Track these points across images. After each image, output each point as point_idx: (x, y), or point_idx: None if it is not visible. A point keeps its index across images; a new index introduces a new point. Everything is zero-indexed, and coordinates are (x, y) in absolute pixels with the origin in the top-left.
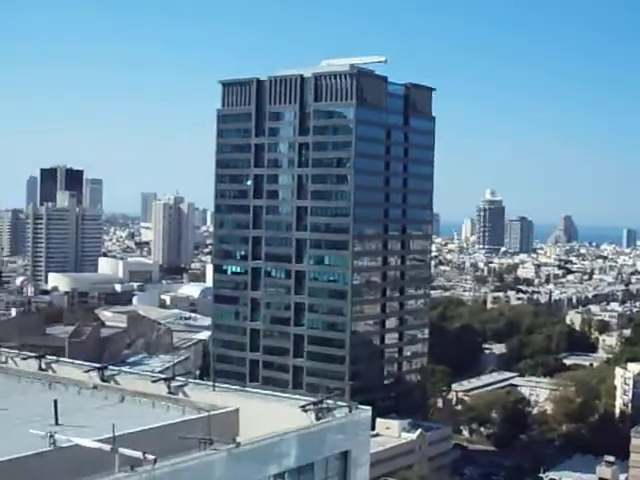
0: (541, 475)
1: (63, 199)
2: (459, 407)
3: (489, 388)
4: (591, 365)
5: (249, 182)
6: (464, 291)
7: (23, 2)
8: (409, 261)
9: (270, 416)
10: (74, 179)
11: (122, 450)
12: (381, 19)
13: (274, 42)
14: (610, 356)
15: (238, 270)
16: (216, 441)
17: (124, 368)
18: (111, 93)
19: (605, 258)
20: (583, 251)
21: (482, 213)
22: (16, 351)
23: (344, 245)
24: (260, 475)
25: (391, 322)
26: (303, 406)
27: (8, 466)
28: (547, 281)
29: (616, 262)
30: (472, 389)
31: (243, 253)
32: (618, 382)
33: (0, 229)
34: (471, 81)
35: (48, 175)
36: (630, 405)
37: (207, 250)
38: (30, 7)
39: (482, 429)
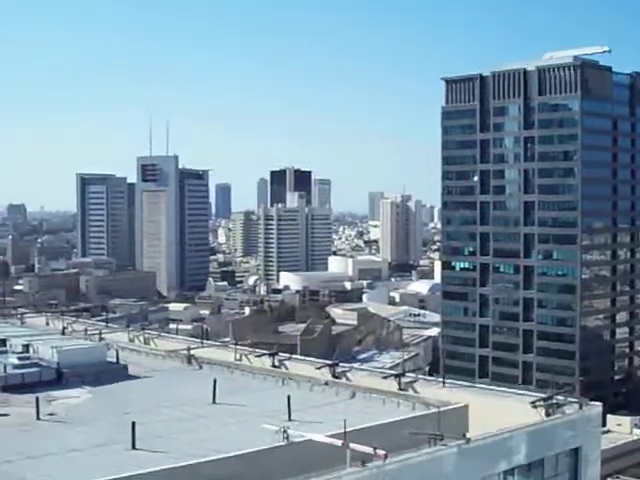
0: None
1: (293, 200)
2: None
3: None
4: None
5: (475, 178)
6: None
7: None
8: (639, 254)
9: (500, 412)
10: (303, 180)
11: (353, 445)
12: (599, 8)
13: (494, 37)
14: None
15: (466, 266)
16: (446, 437)
17: (355, 365)
18: (338, 93)
19: None
20: None
21: None
22: (250, 349)
23: (572, 239)
24: (490, 471)
25: (621, 316)
26: (533, 402)
27: (244, 460)
28: None
29: None
30: None
31: (471, 249)
32: None
33: (233, 231)
34: None
35: (278, 177)
36: None
37: (435, 247)
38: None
39: None
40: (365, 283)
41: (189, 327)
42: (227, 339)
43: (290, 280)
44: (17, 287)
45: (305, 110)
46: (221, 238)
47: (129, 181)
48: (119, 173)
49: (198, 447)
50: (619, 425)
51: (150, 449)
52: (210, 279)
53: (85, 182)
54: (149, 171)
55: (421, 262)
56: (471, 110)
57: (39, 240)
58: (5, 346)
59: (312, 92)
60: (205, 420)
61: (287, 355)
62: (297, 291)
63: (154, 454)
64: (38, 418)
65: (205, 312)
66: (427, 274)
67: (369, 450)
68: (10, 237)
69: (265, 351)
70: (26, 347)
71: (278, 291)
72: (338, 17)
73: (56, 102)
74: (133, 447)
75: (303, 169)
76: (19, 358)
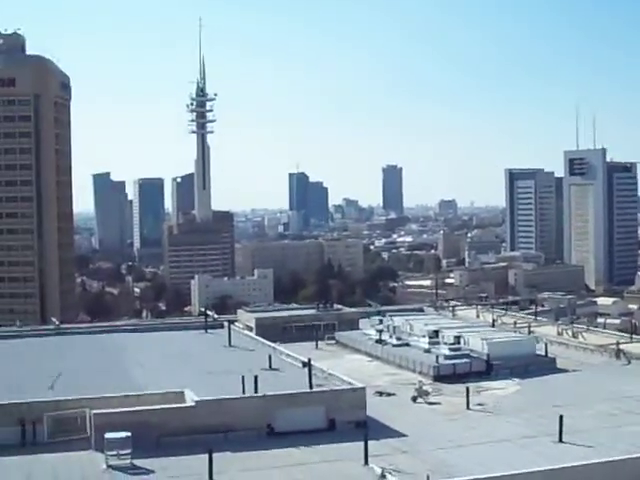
0: None
1: None
2: None
3: None
4: None
5: None
6: None
7: None
8: None
9: None
10: None
11: None
12: None
13: None
14: None
15: None
16: None
17: None
18: None
19: None
20: None
21: None
22: None
23: None
24: None
25: None
26: None
27: None
28: None
29: None
30: None
31: None
32: None
33: None
34: None
35: None
36: None
37: None
38: None
39: None
40: None
41: (617, 321)
42: None
43: None
44: (448, 280)
45: None
46: None
47: (556, 175)
48: (546, 168)
49: (625, 442)
50: None
51: (576, 443)
52: (639, 273)
53: (513, 177)
54: (577, 165)
55: None
56: None
57: (469, 234)
58: (437, 337)
59: None
60: (633, 416)
61: None
62: None
63: (580, 448)
64: (468, 408)
65: (634, 306)
66: None
67: None
68: (442, 232)
69: None
70: (457, 339)
71: None
72: None
73: (485, 93)
74: (560, 440)
75: None
76: (450, 349)
